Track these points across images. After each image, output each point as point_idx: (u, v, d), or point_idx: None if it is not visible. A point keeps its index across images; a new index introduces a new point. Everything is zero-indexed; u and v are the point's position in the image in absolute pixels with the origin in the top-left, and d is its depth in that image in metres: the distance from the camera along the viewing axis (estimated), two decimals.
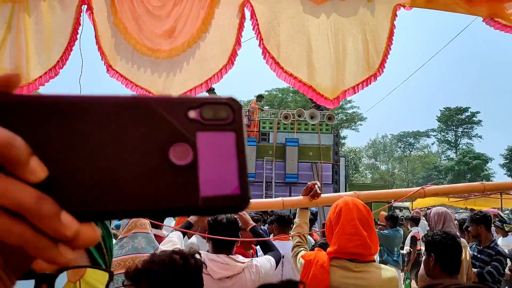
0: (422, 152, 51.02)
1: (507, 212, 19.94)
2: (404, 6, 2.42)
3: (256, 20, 2.31)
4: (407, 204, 14.98)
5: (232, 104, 0.30)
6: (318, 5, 2.31)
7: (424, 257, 2.38)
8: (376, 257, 4.84)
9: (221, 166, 0.28)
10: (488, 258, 3.80)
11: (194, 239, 2.56)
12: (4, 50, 1.99)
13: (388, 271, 1.93)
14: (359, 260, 1.83)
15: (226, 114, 0.29)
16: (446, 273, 2.23)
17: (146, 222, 2.84)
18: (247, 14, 2.32)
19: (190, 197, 0.27)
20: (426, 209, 16.24)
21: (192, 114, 0.28)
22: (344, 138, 42.46)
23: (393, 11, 2.42)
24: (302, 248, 2.25)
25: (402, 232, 6.17)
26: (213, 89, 13.53)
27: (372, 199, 2.47)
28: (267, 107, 35.13)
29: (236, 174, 0.28)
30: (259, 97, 14.85)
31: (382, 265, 1.97)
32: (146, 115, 0.28)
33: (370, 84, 2.44)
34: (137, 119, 0.28)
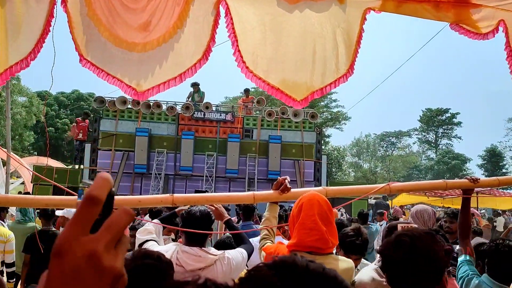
0: (404, 152, 51.85)
1: (483, 211, 20.46)
2: (374, 10, 2.50)
3: (231, 19, 2.36)
4: (386, 202, 15.24)
5: None
6: (291, 5, 2.37)
7: None
8: None
9: None
10: None
11: (150, 225, 2.60)
12: None
13: (345, 262, 2.02)
14: (318, 252, 1.90)
15: None
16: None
17: None
18: (222, 11, 2.37)
19: None
20: (408, 207, 16.56)
21: None
22: (329, 136, 42.80)
23: (363, 15, 2.49)
24: (268, 241, 2.32)
25: (375, 228, 6.32)
26: (198, 84, 13.53)
27: (340, 195, 2.55)
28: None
29: None
30: (246, 91, 14.98)
31: (340, 257, 2.07)
32: None
33: (339, 85, 2.53)
34: None
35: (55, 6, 2.13)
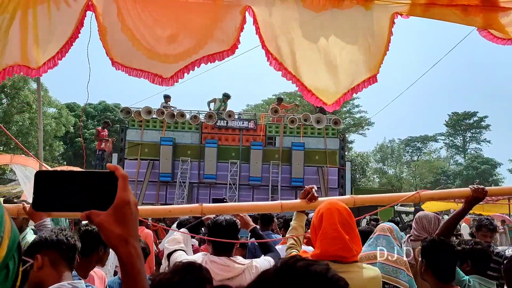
0: (430, 157, 50.58)
1: None
2: (401, 15, 2.48)
3: (257, 24, 2.40)
4: (412, 209, 14.87)
5: None
6: (316, 14, 2.39)
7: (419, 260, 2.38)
8: None
9: None
10: None
11: (178, 234, 2.61)
12: (8, 40, 2.16)
13: (371, 271, 1.98)
14: (342, 261, 1.88)
15: None
16: (439, 280, 2.17)
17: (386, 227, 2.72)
18: (249, 20, 2.42)
19: None
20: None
21: None
22: (352, 142, 42.28)
23: (391, 19, 2.47)
24: (294, 250, 2.31)
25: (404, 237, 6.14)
26: (229, 96, 13.73)
27: (368, 203, 2.51)
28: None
29: None
30: (279, 99, 15.12)
31: (365, 265, 2.02)
32: None
33: (368, 86, 2.51)
34: None
35: (85, 17, 2.24)
